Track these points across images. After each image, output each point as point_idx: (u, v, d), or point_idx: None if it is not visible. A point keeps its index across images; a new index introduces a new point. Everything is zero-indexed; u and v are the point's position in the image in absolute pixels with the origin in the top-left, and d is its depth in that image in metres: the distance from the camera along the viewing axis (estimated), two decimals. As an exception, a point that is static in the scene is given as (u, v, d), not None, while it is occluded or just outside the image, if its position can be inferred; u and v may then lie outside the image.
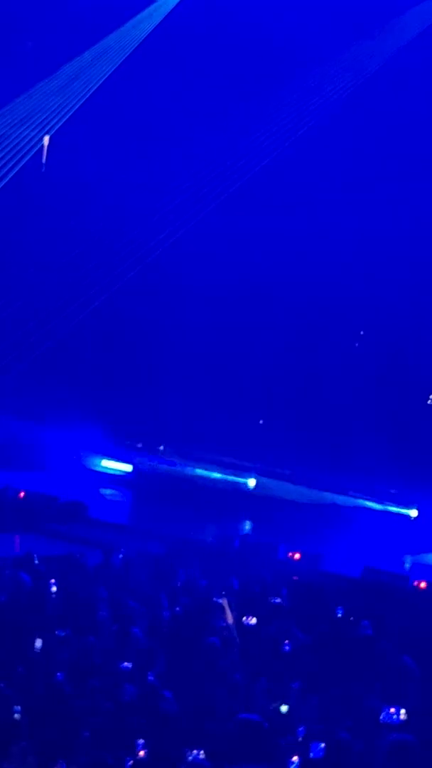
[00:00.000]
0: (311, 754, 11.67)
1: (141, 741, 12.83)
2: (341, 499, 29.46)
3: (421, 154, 31.07)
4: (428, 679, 16.57)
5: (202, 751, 11.48)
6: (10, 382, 31.28)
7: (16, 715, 13.59)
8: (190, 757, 11.35)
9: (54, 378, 31.98)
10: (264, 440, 32.35)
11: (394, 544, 27.49)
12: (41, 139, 32.60)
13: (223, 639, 17.50)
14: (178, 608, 19.51)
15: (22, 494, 28.37)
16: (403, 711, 13.74)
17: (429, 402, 31.79)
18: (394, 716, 13.76)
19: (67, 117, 31.64)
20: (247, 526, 28.75)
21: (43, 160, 33.49)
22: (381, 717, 13.78)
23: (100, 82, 31.16)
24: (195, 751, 11.55)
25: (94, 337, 33.30)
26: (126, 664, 16.53)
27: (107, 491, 31.53)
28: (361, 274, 31.16)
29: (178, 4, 30.52)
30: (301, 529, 27.57)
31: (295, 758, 11.33)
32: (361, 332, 33.48)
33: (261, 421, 33.76)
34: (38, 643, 17.08)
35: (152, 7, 30.65)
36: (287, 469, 31.19)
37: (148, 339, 33.68)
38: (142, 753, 12.39)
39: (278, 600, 20.33)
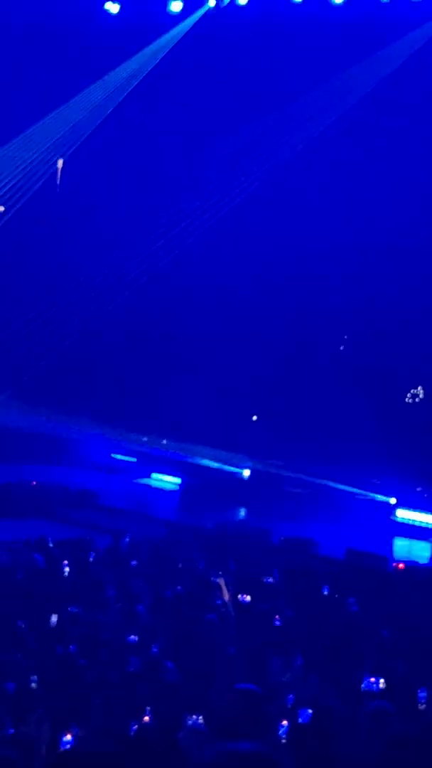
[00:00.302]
0: (299, 720, 11.64)
1: (146, 708, 12.81)
2: (331, 487, 29.43)
3: (403, 164, 30.74)
4: (406, 650, 16.56)
5: (201, 717, 11.45)
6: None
7: (33, 684, 13.59)
8: (190, 722, 11.32)
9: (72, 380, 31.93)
10: (261, 435, 32.35)
11: (378, 528, 27.52)
12: (56, 161, 32.63)
13: (221, 615, 17.50)
14: (179, 587, 19.49)
15: (33, 483, 28.41)
16: (382, 680, 13.74)
17: (407, 400, 31.75)
18: (374, 685, 13.77)
19: (80, 142, 31.67)
20: (242, 513, 28.72)
21: (58, 180, 33.49)
22: (362, 686, 13.79)
23: (110, 110, 31.17)
24: (194, 717, 11.53)
25: (107, 341, 33.28)
26: (132, 637, 16.53)
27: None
28: (345, 281, 31.06)
29: (179, 41, 30.53)
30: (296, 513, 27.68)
31: (284, 722, 11.31)
32: (345, 336, 33.40)
33: (254, 417, 33.68)
34: (53, 618, 17.08)
35: (156, 43, 30.64)
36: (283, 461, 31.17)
37: (154, 343, 33.66)
38: (146, 718, 12.36)
39: (270, 580, 20.32)
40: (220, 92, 30.62)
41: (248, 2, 29.24)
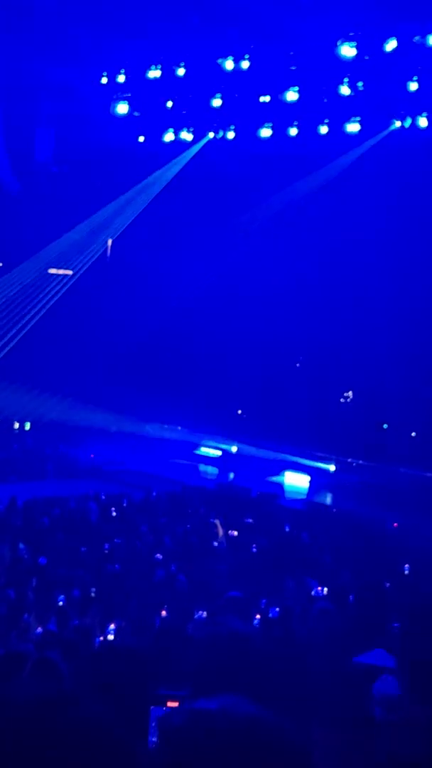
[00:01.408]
0: (269, 615, 11.68)
1: (164, 606, 12.84)
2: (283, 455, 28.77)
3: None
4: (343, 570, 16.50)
5: (204, 612, 11.48)
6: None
7: (92, 593, 13.61)
8: (196, 616, 11.34)
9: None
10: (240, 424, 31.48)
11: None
12: (107, 241, 32.59)
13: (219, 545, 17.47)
14: (188, 525, 19.46)
15: (92, 456, 28.38)
16: (326, 588, 13.71)
17: (343, 400, 31.27)
18: (321, 591, 13.75)
19: (124, 227, 31.59)
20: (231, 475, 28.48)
21: (108, 255, 33.43)
22: (312, 592, 13.77)
23: (145, 205, 30.99)
24: (200, 612, 11.56)
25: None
26: (158, 555, 16.55)
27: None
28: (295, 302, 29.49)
29: (195, 156, 29.90)
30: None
31: (258, 616, 11.33)
32: (300, 359, 32.33)
33: (239, 411, 33.12)
34: (105, 546, 17.09)
35: (180, 157, 30.24)
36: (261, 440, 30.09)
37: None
38: (164, 613, 12.39)
39: (249, 520, 20.28)
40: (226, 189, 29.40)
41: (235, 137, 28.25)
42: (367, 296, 27.50)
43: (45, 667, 5.51)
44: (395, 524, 20.66)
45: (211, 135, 28.95)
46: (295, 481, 26.75)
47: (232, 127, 28.15)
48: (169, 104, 27.19)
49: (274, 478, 26.38)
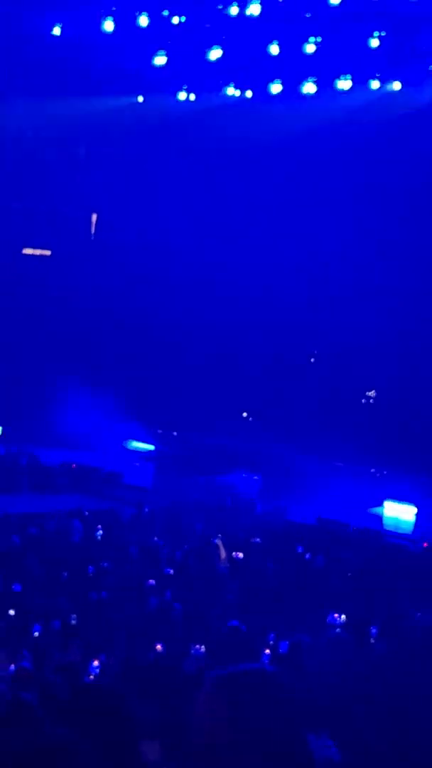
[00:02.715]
0: (279, 650, 11.74)
1: (158, 641, 12.89)
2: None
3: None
4: (362, 595, 16.60)
5: (202, 646, 11.54)
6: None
7: (73, 621, 13.67)
8: (193, 651, 11.41)
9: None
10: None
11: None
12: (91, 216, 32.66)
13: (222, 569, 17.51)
14: (186, 546, 19.51)
15: (73, 466, 28.32)
16: (343, 616, 13.78)
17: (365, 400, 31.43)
18: (337, 620, 13.81)
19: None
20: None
21: (92, 230, 33.51)
22: (327, 619, 13.82)
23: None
24: (197, 647, 11.62)
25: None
26: (150, 581, 16.61)
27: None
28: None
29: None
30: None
31: (267, 651, 11.39)
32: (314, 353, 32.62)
33: (245, 414, 33.31)
34: (90, 570, 17.15)
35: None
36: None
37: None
38: (159, 647, 12.44)
39: (258, 540, 20.31)
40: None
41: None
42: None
43: (19, 711, 5.56)
44: (425, 544, 20.72)
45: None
46: (398, 513, 26.02)
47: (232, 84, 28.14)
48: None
49: (373, 510, 25.85)
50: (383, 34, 24.29)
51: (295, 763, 2.24)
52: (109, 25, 25.89)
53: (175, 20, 25.42)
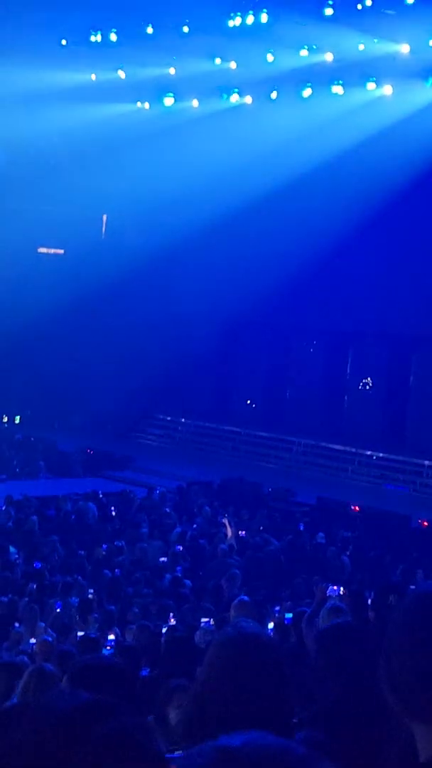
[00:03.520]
0: (285, 622, 11.79)
1: (171, 614, 12.96)
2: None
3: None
4: (356, 569, 16.68)
5: (212, 620, 11.59)
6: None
7: (90, 596, 13.72)
8: (203, 624, 11.45)
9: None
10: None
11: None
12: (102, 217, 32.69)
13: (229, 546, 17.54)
14: (194, 526, 19.59)
15: (89, 451, 28.47)
16: (342, 588, 13.81)
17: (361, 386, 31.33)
18: (336, 591, 13.83)
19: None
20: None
21: (103, 230, 33.56)
22: (326, 591, 13.84)
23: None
24: (207, 620, 11.68)
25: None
26: (162, 559, 16.67)
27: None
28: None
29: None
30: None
31: (270, 624, 11.44)
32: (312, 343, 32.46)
33: (249, 401, 33.40)
34: (103, 549, 17.23)
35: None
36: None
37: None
38: (172, 621, 12.50)
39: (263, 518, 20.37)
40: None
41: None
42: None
43: (43, 679, 5.62)
44: (425, 523, 20.71)
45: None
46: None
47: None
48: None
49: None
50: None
51: (278, 713, 2.49)
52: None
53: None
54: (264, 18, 24.26)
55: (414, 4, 22.61)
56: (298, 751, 1.37)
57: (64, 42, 27.15)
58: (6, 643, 11.35)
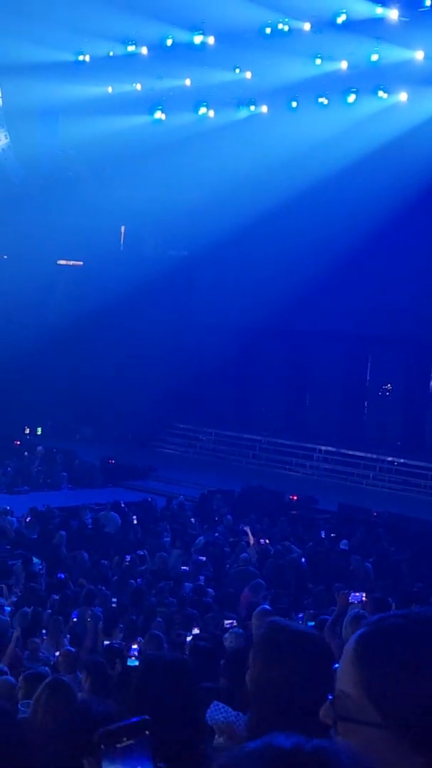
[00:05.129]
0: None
1: (194, 622, 12.95)
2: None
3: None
4: (379, 576, 16.64)
5: (234, 621, 11.61)
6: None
7: (113, 606, 13.74)
8: (233, 629, 11.45)
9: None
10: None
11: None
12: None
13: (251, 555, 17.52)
14: (216, 534, 19.58)
15: (111, 462, 28.50)
16: (365, 595, 13.77)
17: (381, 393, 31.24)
18: (359, 597, 13.79)
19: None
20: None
21: (121, 242, 33.70)
22: (349, 598, 13.81)
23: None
24: (231, 622, 11.70)
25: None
26: (184, 568, 16.67)
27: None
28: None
29: None
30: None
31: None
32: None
33: (264, 410, 33.34)
34: (127, 559, 17.26)
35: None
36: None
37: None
38: (196, 630, 12.50)
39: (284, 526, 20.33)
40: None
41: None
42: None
43: (55, 691, 5.62)
44: None
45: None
46: None
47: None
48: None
49: None
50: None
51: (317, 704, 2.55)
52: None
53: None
54: (283, 27, 24.32)
55: (428, 10, 22.64)
56: (343, 757, 1.42)
57: (81, 58, 27.39)
58: (27, 653, 11.40)
